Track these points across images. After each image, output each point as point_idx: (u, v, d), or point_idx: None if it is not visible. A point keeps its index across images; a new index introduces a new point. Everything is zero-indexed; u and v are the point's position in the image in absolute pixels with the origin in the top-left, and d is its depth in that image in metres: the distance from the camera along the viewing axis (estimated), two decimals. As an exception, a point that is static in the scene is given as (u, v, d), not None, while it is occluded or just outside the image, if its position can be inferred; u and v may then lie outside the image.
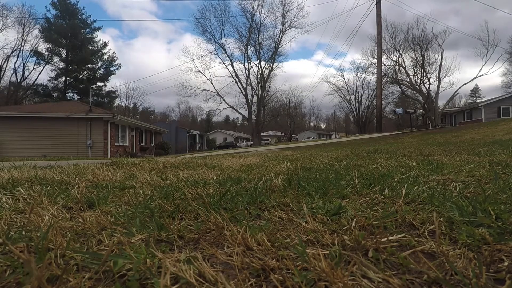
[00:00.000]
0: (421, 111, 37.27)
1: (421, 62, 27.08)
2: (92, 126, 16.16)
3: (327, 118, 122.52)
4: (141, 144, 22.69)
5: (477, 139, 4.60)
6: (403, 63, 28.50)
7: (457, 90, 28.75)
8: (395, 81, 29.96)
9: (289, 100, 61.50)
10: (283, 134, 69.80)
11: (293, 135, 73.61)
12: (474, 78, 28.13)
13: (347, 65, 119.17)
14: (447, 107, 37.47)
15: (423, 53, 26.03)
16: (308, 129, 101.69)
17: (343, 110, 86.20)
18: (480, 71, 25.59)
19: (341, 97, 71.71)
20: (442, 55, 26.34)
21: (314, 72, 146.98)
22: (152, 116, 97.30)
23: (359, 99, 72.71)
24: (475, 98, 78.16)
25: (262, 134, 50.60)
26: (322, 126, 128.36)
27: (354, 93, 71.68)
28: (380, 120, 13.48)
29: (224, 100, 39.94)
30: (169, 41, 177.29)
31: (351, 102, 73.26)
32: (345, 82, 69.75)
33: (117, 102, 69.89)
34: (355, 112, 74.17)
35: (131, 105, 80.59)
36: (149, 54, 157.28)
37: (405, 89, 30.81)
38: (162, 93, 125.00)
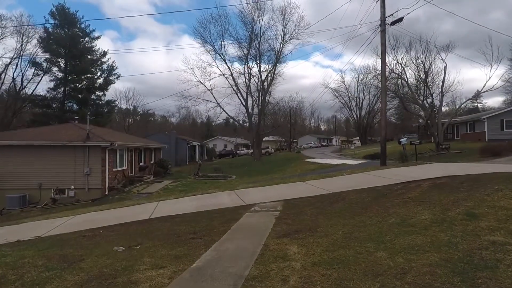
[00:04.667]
0: (422, 121, 36.78)
1: (424, 77, 26.72)
2: (90, 154, 15.82)
3: (327, 120, 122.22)
4: (140, 164, 22.36)
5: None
6: (405, 76, 28.13)
7: (460, 106, 28.43)
8: (397, 96, 29.59)
9: (289, 108, 61.16)
10: (283, 139, 69.45)
11: (294, 140, 73.37)
12: (479, 93, 27.75)
13: (348, 71, 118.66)
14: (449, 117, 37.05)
15: (426, 69, 25.68)
16: (309, 133, 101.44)
17: (344, 115, 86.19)
18: (484, 86, 25.21)
19: (342, 102, 71.55)
20: (445, 70, 25.96)
21: (315, 76, 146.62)
22: (152, 119, 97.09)
23: (360, 104, 72.57)
24: (476, 104, 77.68)
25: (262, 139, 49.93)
26: (323, 127, 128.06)
27: (355, 98, 71.53)
28: (385, 152, 13.13)
29: (224, 111, 39.53)
30: (168, 43, 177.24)
31: (351, 107, 73.09)
32: (346, 88, 69.54)
33: (117, 104, 69.72)
34: (355, 117, 73.98)
35: (131, 108, 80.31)
36: (148, 56, 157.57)
37: (407, 103, 30.47)
38: (161, 95, 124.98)
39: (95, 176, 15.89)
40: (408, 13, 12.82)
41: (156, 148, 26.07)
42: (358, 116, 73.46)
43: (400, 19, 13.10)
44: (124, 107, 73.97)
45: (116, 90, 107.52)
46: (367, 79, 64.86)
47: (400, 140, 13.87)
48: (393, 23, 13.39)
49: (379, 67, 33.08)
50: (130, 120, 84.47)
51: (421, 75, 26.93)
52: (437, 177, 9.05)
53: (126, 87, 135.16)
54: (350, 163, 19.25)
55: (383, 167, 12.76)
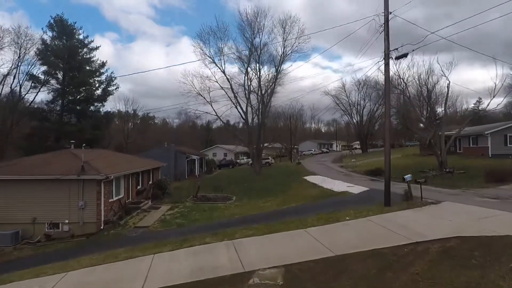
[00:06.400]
0: (421, 134, 36.31)
1: (426, 94, 26.30)
2: (85, 187, 15.40)
3: (328, 123, 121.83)
4: (138, 187, 21.94)
5: None
6: (407, 92, 27.74)
7: (463, 125, 27.94)
8: (399, 113, 29.16)
9: (289, 116, 60.74)
10: (283, 146, 68.79)
11: (294, 146, 72.89)
12: (482, 110, 27.25)
13: (349, 74, 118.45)
14: (452, 130, 36.65)
15: (429, 87, 25.25)
16: (309, 138, 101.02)
17: (344, 121, 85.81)
18: (488, 105, 24.79)
19: (342, 110, 71.20)
20: (448, 87, 25.55)
21: (316, 77, 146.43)
22: (152, 122, 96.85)
23: (361, 111, 72.19)
24: (478, 107, 77.29)
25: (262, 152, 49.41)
26: (323, 129, 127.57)
27: (356, 106, 71.17)
28: (389, 191, 12.77)
29: (224, 123, 39.32)
30: (168, 44, 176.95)
31: (352, 115, 72.74)
32: (347, 96, 69.23)
33: (117, 107, 69.35)
34: (356, 124, 73.60)
35: (131, 111, 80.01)
36: (148, 57, 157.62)
37: (408, 120, 30.05)
38: (161, 96, 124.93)
39: (90, 209, 15.47)
40: (413, 50, 12.39)
41: (154, 168, 25.62)
42: (358, 123, 73.11)
43: (405, 55, 12.69)
44: (124, 111, 73.47)
45: (116, 92, 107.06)
46: (367, 88, 64.74)
47: (405, 177, 13.42)
48: (397, 58, 12.99)
49: (380, 79, 32.67)
50: (130, 124, 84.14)
51: (423, 92, 26.52)
52: (445, 238, 8.59)
53: (127, 88, 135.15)
54: (352, 191, 18.76)
55: (387, 209, 12.32)
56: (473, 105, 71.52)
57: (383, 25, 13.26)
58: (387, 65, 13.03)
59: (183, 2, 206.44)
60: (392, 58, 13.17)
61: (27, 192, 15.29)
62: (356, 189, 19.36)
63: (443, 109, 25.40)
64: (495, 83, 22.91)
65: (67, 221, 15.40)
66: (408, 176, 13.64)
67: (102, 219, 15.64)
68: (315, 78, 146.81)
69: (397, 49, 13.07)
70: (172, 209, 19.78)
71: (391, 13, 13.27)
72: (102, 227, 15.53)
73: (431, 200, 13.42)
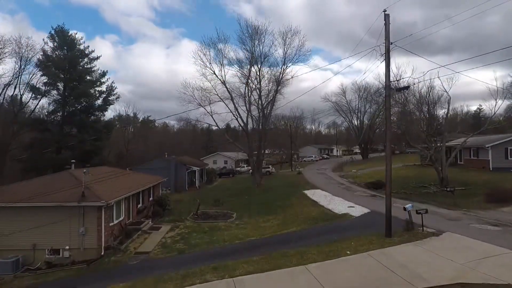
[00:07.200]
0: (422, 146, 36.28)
1: (426, 110, 26.30)
2: (85, 213, 15.39)
3: (328, 125, 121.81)
4: (139, 206, 21.94)
5: None
6: (408, 108, 27.76)
7: (464, 141, 27.92)
8: (400, 129, 29.17)
9: (290, 125, 60.75)
10: (284, 152, 68.73)
11: (296, 152, 72.90)
12: (482, 129, 27.28)
13: (349, 76, 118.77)
14: (453, 140, 36.67)
15: (429, 103, 25.27)
16: (310, 142, 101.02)
17: (344, 128, 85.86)
18: (487, 124, 24.74)
19: (343, 117, 71.33)
20: (449, 103, 25.56)
21: (315, 79, 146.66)
22: (152, 125, 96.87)
23: (361, 117, 72.28)
24: (478, 110, 77.13)
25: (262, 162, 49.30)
26: (323, 132, 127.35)
27: (357, 113, 71.28)
28: (390, 222, 12.78)
29: (227, 136, 39.57)
30: (168, 46, 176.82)
31: (352, 120, 72.84)
32: (347, 102, 69.39)
33: (118, 110, 69.33)
34: (356, 131, 73.67)
35: (132, 115, 79.94)
36: (148, 59, 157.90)
37: (409, 134, 30.06)
38: (162, 97, 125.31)
39: (90, 235, 15.45)
40: (414, 84, 12.40)
41: (155, 185, 25.62)
42: (358, 128, 73.15)
43: (407, 87, 12.70)
44: (124, 114, 73.42)
45: (117, 101, 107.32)
46: (368, 96, 64.87)
47: (405, 206, 13.42)
48: (398, 90, 13.01)
49: (381, 84, 32.54)
50: (131, 127, 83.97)
51: (424, 109, 26.54)
52: (447, 285, 8.56)
53: (127, 89, 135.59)
54: (352, 213, 18.72)
55: (388, 242, 12.32)
56: (474, 112, 71.51)
57: (384, 55, 13.32)
58: (388, 96, 13.00)
59: (182, 4, 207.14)
60: (393, 89, 13.18)
61: (27, 218, 15.27)
62: (356, 210, 19.33)
63: (444, 115, 25.38)
64: (496, 99, 22.84)
65: (67, 247, 15.38)
66: (408, 206, 13.64)
67: (103, 245, 15.61)
68: (316, 81, 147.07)
69: (398, 80, 13.08)
70: (172, 229, 19.77)
71: (392, 43, 13.32)
72: (102, 254, 15.51)
73: (432, 230, 13.40)
